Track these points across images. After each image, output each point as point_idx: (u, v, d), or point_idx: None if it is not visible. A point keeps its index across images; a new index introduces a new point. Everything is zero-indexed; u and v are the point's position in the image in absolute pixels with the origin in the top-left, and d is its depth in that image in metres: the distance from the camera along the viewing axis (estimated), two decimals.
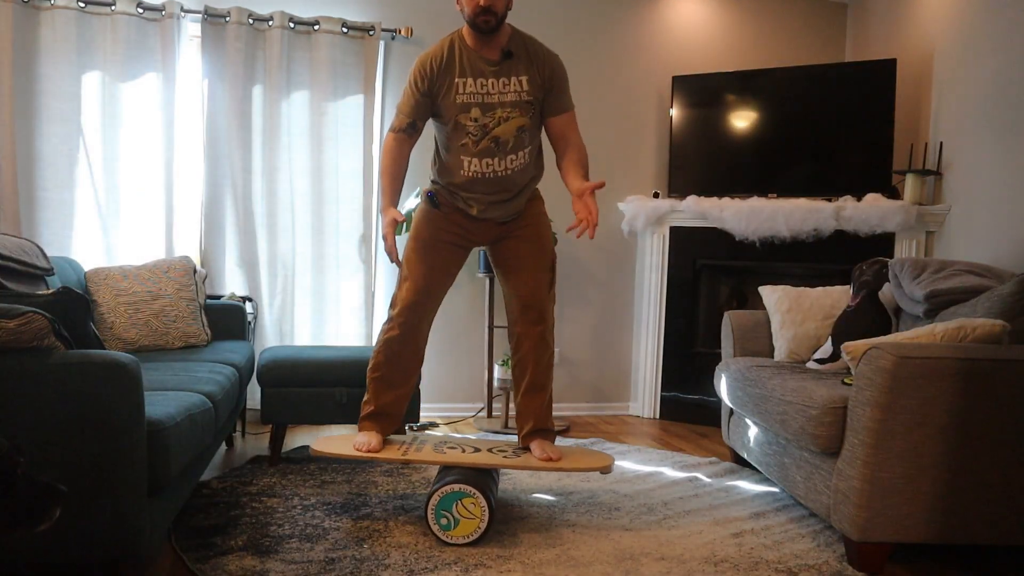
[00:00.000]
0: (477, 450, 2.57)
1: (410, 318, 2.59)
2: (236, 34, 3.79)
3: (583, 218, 2.41)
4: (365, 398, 2.66)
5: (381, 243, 4.07)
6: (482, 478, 2.36)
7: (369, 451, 2.49)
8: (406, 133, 2.56)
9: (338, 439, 2.65)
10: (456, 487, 2.28)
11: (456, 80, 2.47)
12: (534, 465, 2.48)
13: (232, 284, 3.90)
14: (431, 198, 2.65)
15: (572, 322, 4.42)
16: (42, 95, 3.62)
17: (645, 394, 4.41)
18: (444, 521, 2.28)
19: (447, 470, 2.43)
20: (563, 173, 2.60)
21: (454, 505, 2.28)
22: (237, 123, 3.83)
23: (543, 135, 2.65)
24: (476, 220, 2.61)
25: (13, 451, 1.37)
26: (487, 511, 2.28)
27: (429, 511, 2.29)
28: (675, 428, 4.15)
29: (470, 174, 2.53)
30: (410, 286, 2.59)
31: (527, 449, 2.61)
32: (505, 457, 2.51)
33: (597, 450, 2.84)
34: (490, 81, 2.47)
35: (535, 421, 2.62)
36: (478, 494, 2.27)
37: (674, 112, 4.36)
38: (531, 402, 2.63)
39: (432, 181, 2.68)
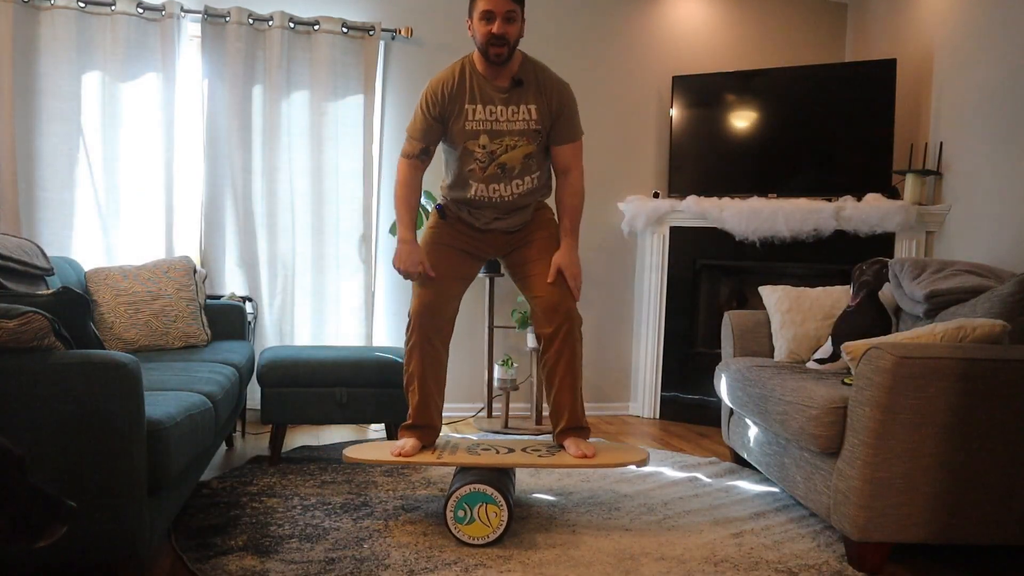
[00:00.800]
0: (511, 451, 2.58)
1: (424, 322, 2.59)
2: (236, 34, 3.79)
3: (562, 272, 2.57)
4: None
5: (381, 243, 4.13)
6: (508, 488, 2.37)
7: (403, 455, 2.50)
8: (419, 159, 2.58)
9: (369, 446, 2.66)
10: (489, 491, 2.28)
11: (466, 107, 2.48)
12: (569, 463, 2.48)
13: (232, 284, 3.90)
14: (440, 210, 2.68)
15: None
16: (42, 95, 3.62)
17: (645, 394, 4.41)
18: (461, 513, 2.28)
19: (469, 470, 2.43)
20: (557, 213, 2.67)
21: (478, 505, 2.28)
22: (237, 123, 3.83)
23: None
24: (482, 232, 2.65)
25: (12, 456, 1.31)
26: (503, 526, 2.28)
27: (452, 498, 2.28)
28: (675, 428, 4.15)
29: (476, 197, 2.57)
30: (419, 291, 2.61)
31: (561, 447, 2.61)
32: (540, 456, 2.52)
33: (631, 445, 2.85)
34: (499, 108, 2.48)
35: (568, 419, 2.62)
36: (504, 509, 2.27)
37: (674, 112, 4.36)
38: (562, 400, 2.62)
39: (443, 195, 2.71)
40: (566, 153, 2.61)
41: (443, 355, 2.66)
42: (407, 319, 2.65)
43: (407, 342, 2.63)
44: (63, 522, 1.34)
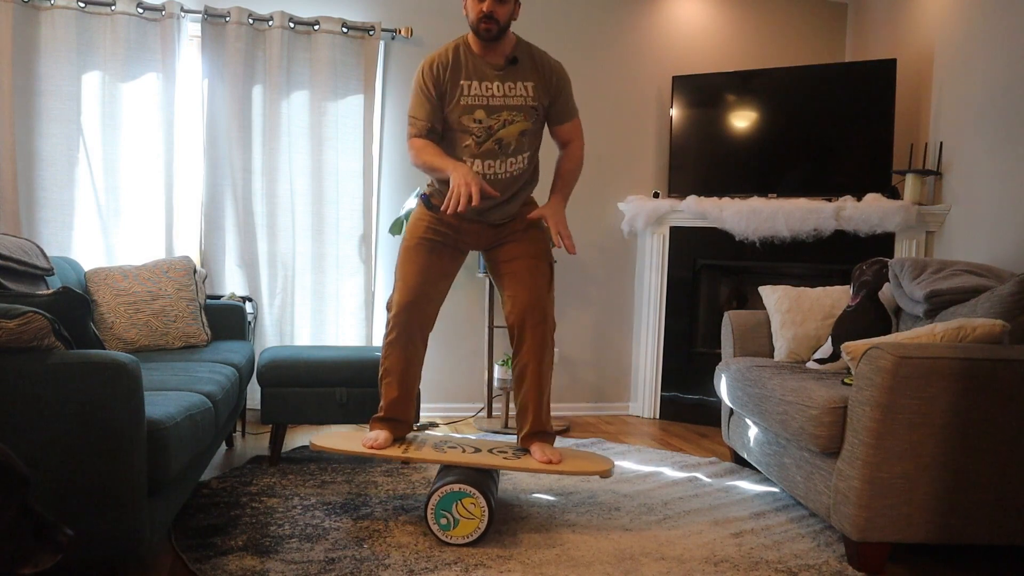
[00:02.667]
0: (477, 450, 2.57)
1: (405, 319, 2.59)
2: (236, 34, 3.79)
3: (558, 232, 2.56)
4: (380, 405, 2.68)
5: (382, 243, 4.12)
6: (482, 478, 2.36)
7: (375, 447, 2.51)
8: (428, 137, 2.54)
9: (338, 435, 2.66)
10: (456, 487, 2.28)
11: (461, 82, 2.49)
12: (533, 467, 2.48)
13: (232, 284, 3.90)
14: (425, 200, 2.66)
15: (572, 322, 4.42)
16: (42, 95, 3.62)
17: (645, 394, 4.41)
18: (444, 521, 2.28)
19: (447, 470, 2.44)
20: (553, 178, 2.69)
21: (454, 505, 2.28)
22: (237, 123, 3.83)
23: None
24: (468, 221, 2.62)
25: (14, 475, 1.24)
26: (487, 512, 2.28)
27: (429, 511, 2.29)
28: (675, 428, 4.15)
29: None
30: (402, 287, 2.60)
31: (527, 451, 2.61)
32: (505, 458, 2.51)
33: (597, 452, 2.84)
34: (495, 84, 2.50)
35: (532, 423, 2.62)
36: (478, 495, 2.27)
37: (674, 112, 4.36)
38: (530, 403, 2.63)
39: (428, 183, 2.69)
40: (567, 130, 2.66)
41: (422, 351, 2.68)
42: (387, 311, 2.65)
43: (386, 336, 2.63)
44: (55, 551, 1.27)
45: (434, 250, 2.62)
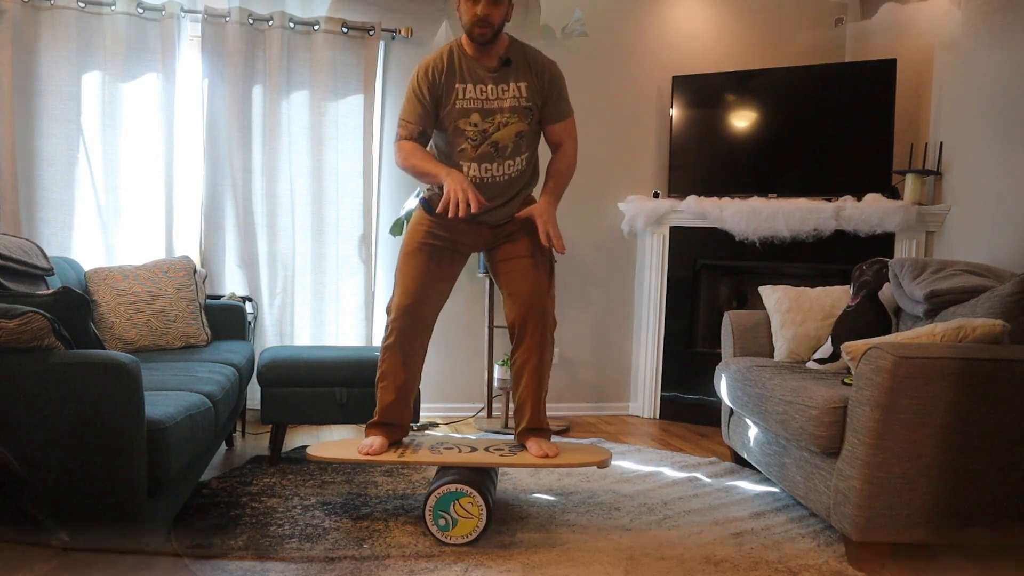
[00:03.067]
0: (474, 450, 2.57)
1: (404, 323, 2.58)
2: (236, 34, 3.79)
3: (546, 232, 2.51)
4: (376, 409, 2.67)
5: (382, 243, 4.12)
6: (479, 478, 2.36)
7: (369, 453, 2.50)
8: (418, 140, 2.56)
9: (334, 443, 2.65)
10: (453, 487, 2.28)
11: (456, 86, 2.49)
12: (531, 462, 2.49)
13: (232, 284, 3.90)
14: (425, 203, 2.65)
15: (572, 322, 4.42)
16: (42, 95, 3.62)
17: (645, 394, 4.41)
18: (442, 521, 2.28)
19: (445, 470, 2.44)
20: (545, 178, 2.66)
21: (451, 505, 2.27)
22: (237, 123, 3.83)
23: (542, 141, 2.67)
24: (467, 223, 2.60)
25: (10, 476, 1.22)
26: (485, 511, 2.28)
27: (427, 512, 2.29)
28: (675, 428, 4.15)
29: (468, 179, 2.53)
30: (401, 290, 2.60)
31: (523, 447, 2.61)
32: (502, 456, 2.51)
33: (594, 445, 2.85)
34: (489, 87, 2.49)
35: (529, 420, 2.63)
36: (475, 494, 2.27)
37: (674, 112, 4.36)
38: (528, 400, 2.63)
39: (428, 188, 2.69)
40: (559, 130, 2.63)
41: (421, 356, 2.67)
42: (386, 315, 2.64)
43: (385, 340, 2.62)
44: (51, 556, 1.26)
45: (433, 254, 2.61)
